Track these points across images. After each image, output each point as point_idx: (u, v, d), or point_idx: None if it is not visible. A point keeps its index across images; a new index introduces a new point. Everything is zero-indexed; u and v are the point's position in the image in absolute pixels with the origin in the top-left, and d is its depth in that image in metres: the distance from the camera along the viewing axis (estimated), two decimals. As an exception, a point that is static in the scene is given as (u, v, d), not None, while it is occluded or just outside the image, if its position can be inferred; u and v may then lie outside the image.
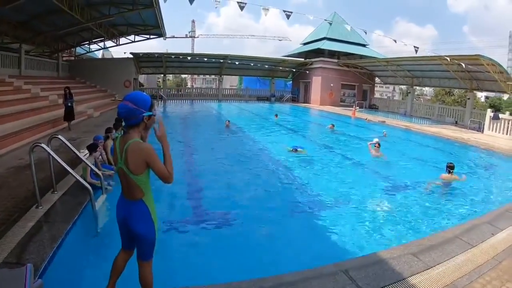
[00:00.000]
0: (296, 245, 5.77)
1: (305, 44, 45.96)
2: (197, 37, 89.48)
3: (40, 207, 5.69)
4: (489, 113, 21.44)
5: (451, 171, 9.59)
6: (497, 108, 44.44)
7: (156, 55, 36.45)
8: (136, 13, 23.83)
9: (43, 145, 5.50)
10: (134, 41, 32.86)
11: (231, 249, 5.45)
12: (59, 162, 5.71)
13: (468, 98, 28.49)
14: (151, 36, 32.86)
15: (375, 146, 12.58)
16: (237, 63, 38.44)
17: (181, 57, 37.10)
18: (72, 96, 14.93)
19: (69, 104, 14.60)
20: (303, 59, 42.42)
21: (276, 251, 5.54)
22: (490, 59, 21.96)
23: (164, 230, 5.80)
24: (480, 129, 22.77)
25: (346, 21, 42.09)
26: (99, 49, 39.36)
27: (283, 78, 48.49)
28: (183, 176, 9.45)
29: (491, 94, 56.82)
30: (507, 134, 19.73)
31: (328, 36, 40.86)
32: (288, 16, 18.02)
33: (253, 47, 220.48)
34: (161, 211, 6.56)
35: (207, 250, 5.39)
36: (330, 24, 34.82)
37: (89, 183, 6.21)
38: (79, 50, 36.55)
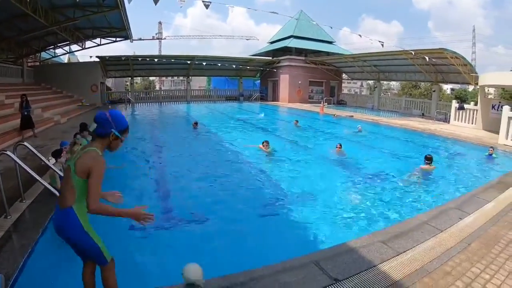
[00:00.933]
0: (267, 240, 5.87)
1: (272, 42, 46.38)
2: (164, 38, 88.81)
3: (8, 217, 5.58)
4: (454, 104, 22.53)
5: (429, 162, 10.17)
6: (462, 99, 45.87)
7: (123, 58, 36.01)
8: (101, 15, 23.56)
9: (8, 153, 5.41)
10: (100, 44, 32.28)
11: (202, 247, 5.48)
12: (26, 170, 5.63)
13: (434, 91, 29.79)
14: (117, 39, 32.46)
15: (336, 147, 12.65)
16: (204, 63, 38.28)
17: (148, 59, 36.64)
18: (29, 104, 14.56)
19: (25, 113, 14.14)
20: (270, 58, 42.81)
21: (247, 246, 5.61)
22: (454, 52, 22.81)
23: (133, 230, 5.77)
24: (446, 120, 23.74)
25: (312, 19, 42.65)
26: (65, 54, 38.52)
27: (251, 78, 48.70)
28: (152, 177, 9.53)
29: (457, 86, 58.27)
30: (472, 123, 20.82)
31: (295, 34, 41.42)
32: (254, 11, 18.02)
33: (221, 47, 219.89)
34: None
35: (177, 250, 5.41)
36: (297, 20, 35.08)
37: (58, 189, 6.13)
38: (44, 55, 35.59)
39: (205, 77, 58.53)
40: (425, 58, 24.30)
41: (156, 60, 36.78)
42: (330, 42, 45.25)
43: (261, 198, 8.01)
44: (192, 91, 45.41)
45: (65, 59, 45.74)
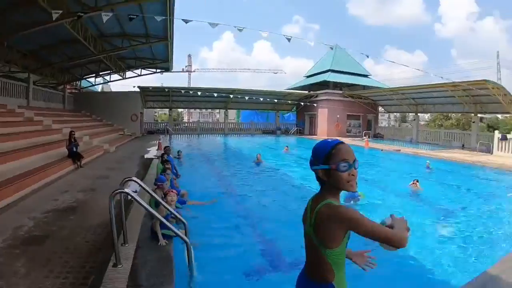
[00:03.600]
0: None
1: (308, 76, 46.44)
2: (194, 71, 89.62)
3: (119, 266, 4.47)
4: (497, 134, 23.00)
5: None
6: (495, 128, 45.79)
7: (166, 90, 36.09)
8: (147, 46, 23.53)
9: (129, 191, 4.56)
10: (141, 75, 32.49)
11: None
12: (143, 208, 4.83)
13: (473, 122, 29.94)
14: (158, 70, 32.57)
15: (413, 183, 12.18)
16: (246, 98, 38.16)
17: (191, 92, 36.85)
18: (76, 140, 13.91)
19: (74, 150, 13.49)
20: (307, 92, 42.57)
21: None
22: (495, 83, 23.65)
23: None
24: (489, 150, 23.74)
25: (347, 52, 42.84)
26: (102, 83, 38.98)
27: (287, 111, 48.85)
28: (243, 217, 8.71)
29: (487, 116, 57.07)
30: None
31: (332, 68, 41.40)
32: (288, 40, 17.39)
33: (246, 81, 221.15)
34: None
35: None
36: (332, 48, 34.72)
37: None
38: (82, 82, 36.16)
39: (234, 110, 58.48)
40: (468, 89, 24.79)
41: (199, 93, 36.17)
42: (366, 76, 45.33)
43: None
44: (230, 124, 45.74)
45: (98, 88, 46.12)
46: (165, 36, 21.08)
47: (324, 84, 41.08)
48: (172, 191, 6.48)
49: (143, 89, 34.36)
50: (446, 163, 19.58)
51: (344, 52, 41.46)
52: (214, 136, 39.76)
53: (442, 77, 23.36)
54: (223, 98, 39.81)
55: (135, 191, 5.44)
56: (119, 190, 4.51)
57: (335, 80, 40.54)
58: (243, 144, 31.45)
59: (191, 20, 15.13)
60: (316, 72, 44.64)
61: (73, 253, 5.09)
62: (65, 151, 13.57)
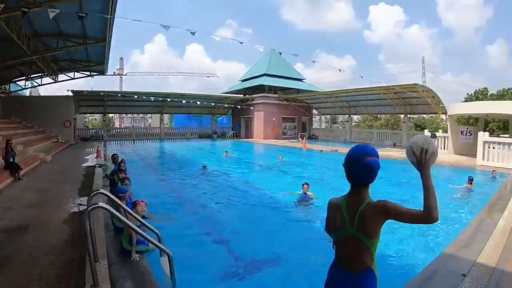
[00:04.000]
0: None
1: (244, 80, 46.91)
2: (126, 74, 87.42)
3: None
4: (427, 133, 25.51)
5: (471, 182, 12.51)
6: (422, 127, 50.92)
7: (101, 93, 34.29)
8: (84, 47, 22.58)
9: (107, 206, 4.26)
10: (74, 78, 31.11)
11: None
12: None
13: (403, 122, 32.38)
14: (92, 73, 31.49)
15: None
16: (183, 102, 37.44)
17: (127, 96, 35.62)
18: (14, 150, 12.95)
19: (11, 160, 12.47)
20: (243, 95, 43.62)
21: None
22: (424, 86, 26.12)
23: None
24: None
25: (279, 57, 43.72)
26: (31, 87, 36.90)
27: (221, 115, 49.42)
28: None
29: (415, 116, 60.52)
30: (444, 149, 23.71)
31: (268, 72, 42.04)
32: (241, 43, 17.82)
33: (178, 85, 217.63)
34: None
35: None
36: (280, 53, 35.25)
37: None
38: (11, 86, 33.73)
39: (167, 115, 57.60)
40: (398, 93, 27.06)
41: (135, 96, 35.11)
42: (300, 79, 46.45)
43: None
44: (165, 128, 45.13)
45: (26, 92, 43.56)
46: (103, 37, 20.37)
47: (260, 88, 41.95)
48: (142, 201, 6.31)
49: (76, 94, 32.62)
50: (384, 160, 19.97)
51: (279, 57, 42.29)
52: (151, 141, 38.76)
53: (378, 82, 25.06)
54: (159, 103, 39.14)
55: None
56: (95, 205, 4.19)
57: (270, 84, 41.39)
58: (182, 149, 31.16)
59: (139, 20, 14.91)
60: (251, 76, 45.14)
61: (41, 280, 4.45)
62: (1, 162, 12.67)
